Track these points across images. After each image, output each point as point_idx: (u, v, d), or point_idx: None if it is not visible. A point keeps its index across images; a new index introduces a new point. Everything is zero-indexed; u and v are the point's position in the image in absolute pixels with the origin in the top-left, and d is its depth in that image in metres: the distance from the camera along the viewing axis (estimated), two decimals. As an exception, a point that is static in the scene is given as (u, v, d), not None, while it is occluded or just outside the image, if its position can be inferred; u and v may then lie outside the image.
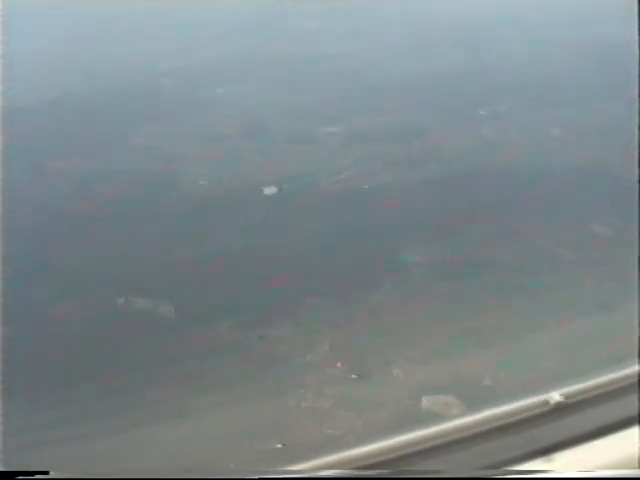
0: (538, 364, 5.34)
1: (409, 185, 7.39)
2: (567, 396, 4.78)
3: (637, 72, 9.83)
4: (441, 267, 6.28)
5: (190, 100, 9.63)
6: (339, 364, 5.26)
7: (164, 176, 7.78)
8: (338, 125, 8.69)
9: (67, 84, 9.96)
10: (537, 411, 4.14)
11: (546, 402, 4.70)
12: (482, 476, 1.73)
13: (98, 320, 5.69)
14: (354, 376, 5.18)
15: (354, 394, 5.13)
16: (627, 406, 4.01)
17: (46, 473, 3.83)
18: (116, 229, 6.76)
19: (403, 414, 4.98)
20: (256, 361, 5.54)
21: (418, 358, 5.43)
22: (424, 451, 3.89)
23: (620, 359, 5.15)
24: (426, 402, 4.97)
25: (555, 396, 4.93)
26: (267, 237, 6.55)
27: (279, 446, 4.68)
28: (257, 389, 5.30)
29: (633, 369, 4.55)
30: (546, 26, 12.23)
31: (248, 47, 11.33)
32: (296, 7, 13.46)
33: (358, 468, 3.08)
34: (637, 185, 7.29)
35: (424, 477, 1.88)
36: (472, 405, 5.04)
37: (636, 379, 4.29)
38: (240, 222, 6.88)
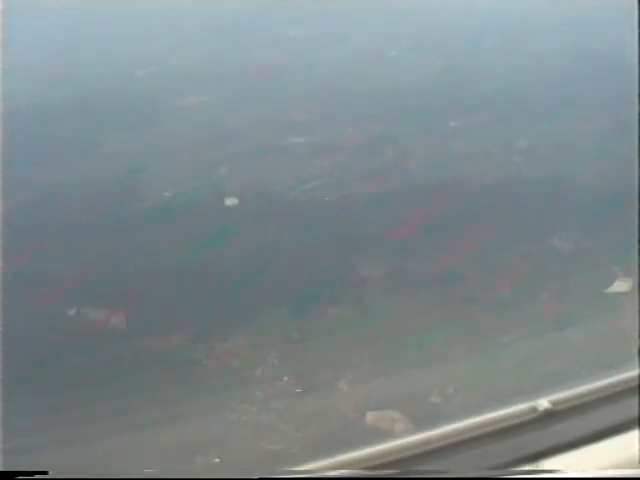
0: (488, 381, 5.31)
1: (374, 196, 7.35)
2: (554, 403, 4.70)
3: (613, 83, 9.88)
4: (400, 281, 6.23)
5: (161, 108, 9.57)
6: (286, 378, 5.22)
7: (128, 186, 7.74)
8: (307, 135, 8.65)
9: (38, 91, 9.91)
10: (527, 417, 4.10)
11: (534, 409, 4.66)
12: (490, 476, 1.72)
13: (45, 330, 5.65)
14: (299, 390, 5.14)
15: (298, 408, 5.08)
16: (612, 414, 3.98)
17: (45, 473, 3.77)
18: (74, 239, 6.69)
19: (346, 429, 4.93)
20: (205, 374, 5.49)
21: (367, 373, 5.36)
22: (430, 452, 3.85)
23: (569, 376, 5.13)
24: (370, 417, 4.92)
25: (543, 403, 4.81)
26: (224, 249, 6.48)
27: (217, 460, 4.65)
28: (202, 403, 5.25)
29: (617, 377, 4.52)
30: (528, 36, 12.22)
31: (224, 55, 11.26)
32: (277, 14, 13.54)
33: (366, 468, 3.05)
34: (599, 199, 7.31)
35: (429, 477, 1.87)
36: (418, 421, 5.02)
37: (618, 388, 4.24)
38: (200, 233, 6.82)
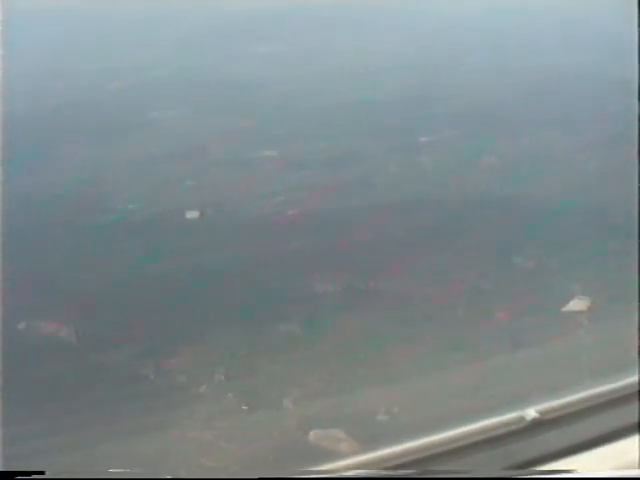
0: (438, 401, 5.25)
1: (337, 212, 7.33)
2: (543, 413, 4.65)
3: (585, 102, 9.91)
4: (354, 298, 6.19)
5: (132, 121, 9.54)
6: (231, 395, 5.17)
7: (91, 198, 7.70)
8: (276, 149, 8.62)
9: (8, 100, 9.88)
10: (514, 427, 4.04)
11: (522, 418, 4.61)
12: (506, 476, 1.69)
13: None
14: (244, 407, 5.09)
15: (241, 426, 5.02)
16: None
17: (43, 473, 3.70)
18: (29, 251, 6.65)
19: (289, 447, 4.88)
20: (151, 390, 5.44)
21: (314, 391, 5.30)
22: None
23: (522, 399, 5.07)
24: (313, 436, 4.87)
25: (531, 412, 4.76)
26: (178, 263, 6.45)
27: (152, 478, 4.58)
28: (145, 419, 5.19)
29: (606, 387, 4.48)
30: (503, 52, 12.26)
31: (199, 68, 11.26)
32: (251, 29, 13.57)
33: (385, 468, 3.00)
34: (563, 217, 7.29)
35: (445, 477, 1.84)
36: (362, 440, 4.96)
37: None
38: (156, 247, 6.78)
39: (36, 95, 10.03)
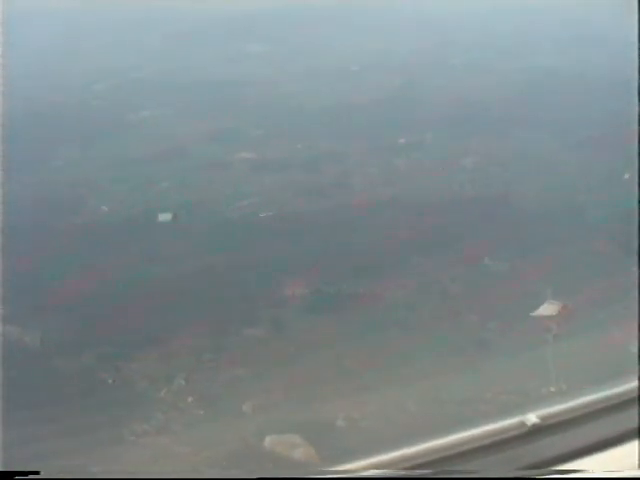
0: (400, 408, 5.18)
1: (310, 214, 7.28)
2: (543, 418, 4.59)
3: (567, 103, 9.84)
4: (323, 301, 6.13)
5: (114, 122, 9.49)
6: (191, 399, 5.12)
7: (68, 201, 7.67)
8: (255, 151, 8.58)
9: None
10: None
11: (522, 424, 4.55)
12: (519, 476, 1.69)
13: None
14: (201, 412, 5.04)
15: (198, 430, 4.98)
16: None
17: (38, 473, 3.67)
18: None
19: (243, 452, 4.82)
20: (111, 395, 5.40)
21: (275, 395, 5.26)
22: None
23: (488, 413, 5.00)
24: (269, 441, 4.82)
25: (532, 418, 4.70)
26: (145, 266, 6.41)
27: (104, 484, 4.54)
28: (102, 424, 5.15)
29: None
30: (490, 54, 12.16)
31: (184, 69, 11.24)
32: (240, 28, 13.53)
33: (403, 469, 2.95)
34: (539, 219, 7.21)
35: (458, 477, 1.83)
36: (319, 446, 4.91)
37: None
38: (127, 249, 6.74)
39: (18, 96, 9.99)
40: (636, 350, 5.13)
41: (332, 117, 9.25)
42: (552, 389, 5.00)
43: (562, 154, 8.49)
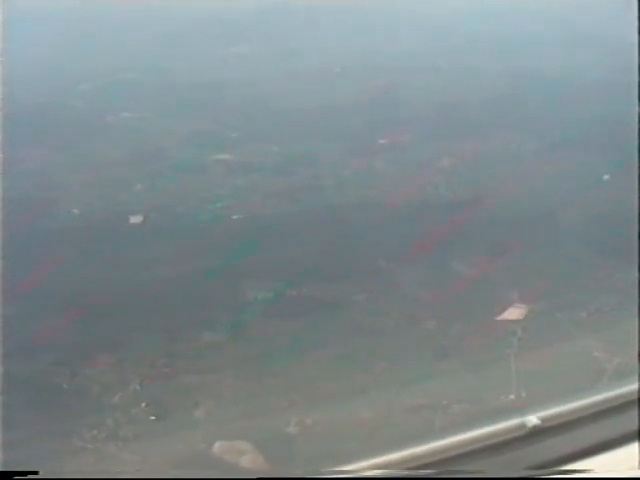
0: (353, 414, 5.10)
1: (280, 217, 7.22)
2: (544, 419, 4.54)
3: (547, 105, 9.76)
4: (286, 306, 6.06)
5: (93, 124, 9.46)
6: (144, 404, 5.07)
7: (38, 203, 7.63)
8: (230, 153, 8.54)
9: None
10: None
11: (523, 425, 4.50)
12: (524, 476, 1.68)
13: None
14: (152, 417, 4.98)
15: (147, 436, 4.92)
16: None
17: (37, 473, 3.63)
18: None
19: (191, 459, 4.77)
20: (63, 399, 5.35)
21: (229, 401, 5.20)
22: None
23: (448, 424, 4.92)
24: (218, 447, 4.76)
25: (532, 419, 4.64)
26: (109, 268, 6.36)
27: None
28: (51, 429, 5.11)
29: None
30: (473, 55, 12.08)
31: (167, 71, 11.23)
32: (223, 30, 13.50)
33: (408, 469, 2.91)
34: (512, 222, 7.13)
35: (464, 477, 1.82)
36: (268, 453, 4.84)
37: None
38: (95, 251, 6.71)
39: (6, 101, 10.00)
40: (600, 356, 5.05)
41: (311, 119, 9.20)
42: (512, 397, 4.94)
43: (542, 156, 8.42)
